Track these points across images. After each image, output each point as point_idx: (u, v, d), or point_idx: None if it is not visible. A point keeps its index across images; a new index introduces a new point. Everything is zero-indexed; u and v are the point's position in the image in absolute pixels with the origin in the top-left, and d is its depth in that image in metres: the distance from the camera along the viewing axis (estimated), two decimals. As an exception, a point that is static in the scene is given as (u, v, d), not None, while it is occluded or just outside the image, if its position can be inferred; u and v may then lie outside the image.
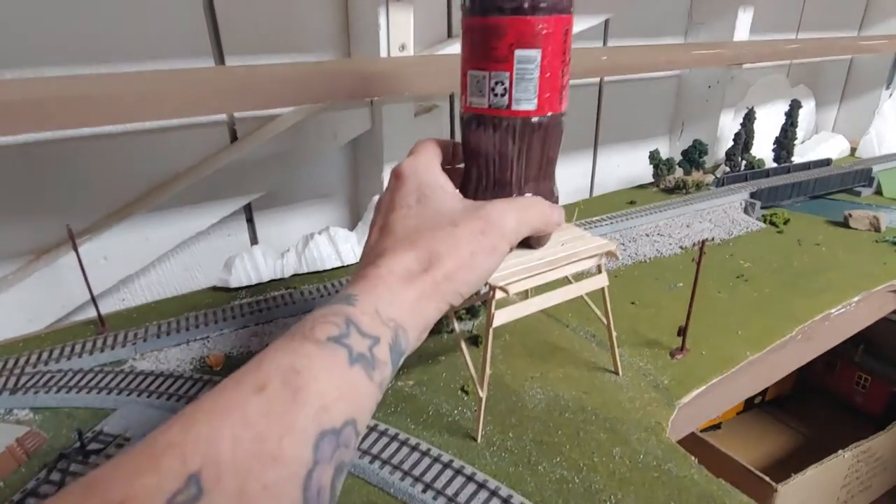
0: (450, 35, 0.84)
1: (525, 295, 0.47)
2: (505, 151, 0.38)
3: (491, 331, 0.40)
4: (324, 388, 0.25)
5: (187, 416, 0.22)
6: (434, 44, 0.82)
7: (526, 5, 0.34)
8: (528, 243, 0.41)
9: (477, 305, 0.58)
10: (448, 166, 0.40)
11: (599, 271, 0.45)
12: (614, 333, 0.49)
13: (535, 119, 0.37)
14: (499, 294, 0.38)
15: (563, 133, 0.40)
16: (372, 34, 0.68)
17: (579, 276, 0.44)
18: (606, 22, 0.98)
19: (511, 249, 0.36)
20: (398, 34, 0.69)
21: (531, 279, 0.40)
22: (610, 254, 0.43)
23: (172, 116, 0.44)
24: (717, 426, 1.11)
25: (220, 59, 0.67)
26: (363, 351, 0.27)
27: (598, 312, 0.49)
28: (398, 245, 0.33)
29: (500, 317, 0.40)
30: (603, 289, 0.46)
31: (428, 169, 0.37)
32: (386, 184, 0.80)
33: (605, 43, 1.00)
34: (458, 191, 0.38)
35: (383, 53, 0.69)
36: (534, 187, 0.39)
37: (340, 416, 0.25)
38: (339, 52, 0.73)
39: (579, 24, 0.91)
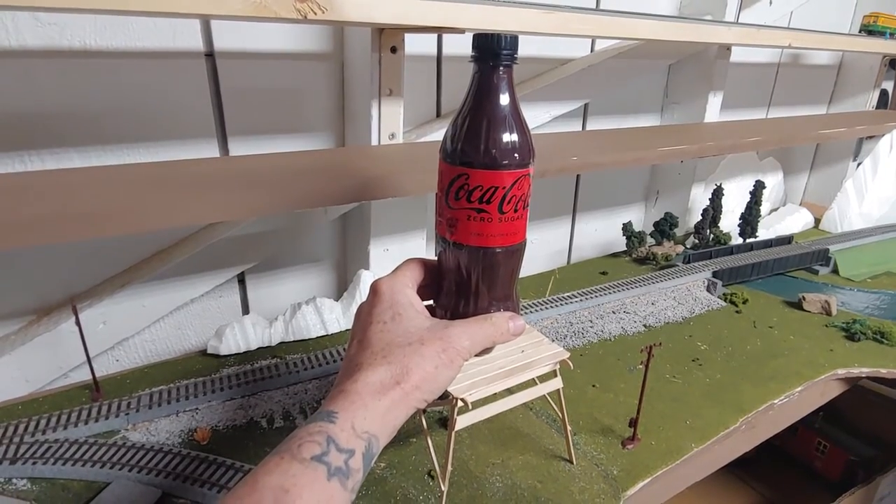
0: (438, 115, 0.90)
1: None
2: (470, 273, 0.43)
3: (453, 434, 0.45)
4: (306, 502, 0.31)
5: None
6: (423, 123, 0.88)
7: (488, 161, 0.40)
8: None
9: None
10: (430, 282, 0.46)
11: (555, 375, 0.50)
12: (569, 428, 0.54)
13: (498, 249, 0.43)
14: (460, 402, 0.43)
15: (523, 255, 0.45)
16: (365, 123, 0.75)
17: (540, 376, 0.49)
18: (586, 104, 1.05)
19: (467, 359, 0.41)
20: (389, 124, 0.75)
21: (490, 387, 0.45)
22: (563, 363, 0.49)
23: (176, 226, 0.49)
24: (682, 487, 1.15)
25: (224, 141, 0.72)
26: (340, 465, 0.33)
27: (556, 408, 0.54)
28: (374, 360, 0.38)
29: (462, 422, 0.45)
30: (558, 390, 0.51)
31: (402, 290, 0.43)
32: (371, 256, 0.85)
33: (584, 124, 1.08)
34: (426, 309, 0.43)
35: (374, 141, 0.75)
36: (496, 304, 0.45)
37: None
38: (334, 135, 0.80)
39: (560, 109, 0.98)
